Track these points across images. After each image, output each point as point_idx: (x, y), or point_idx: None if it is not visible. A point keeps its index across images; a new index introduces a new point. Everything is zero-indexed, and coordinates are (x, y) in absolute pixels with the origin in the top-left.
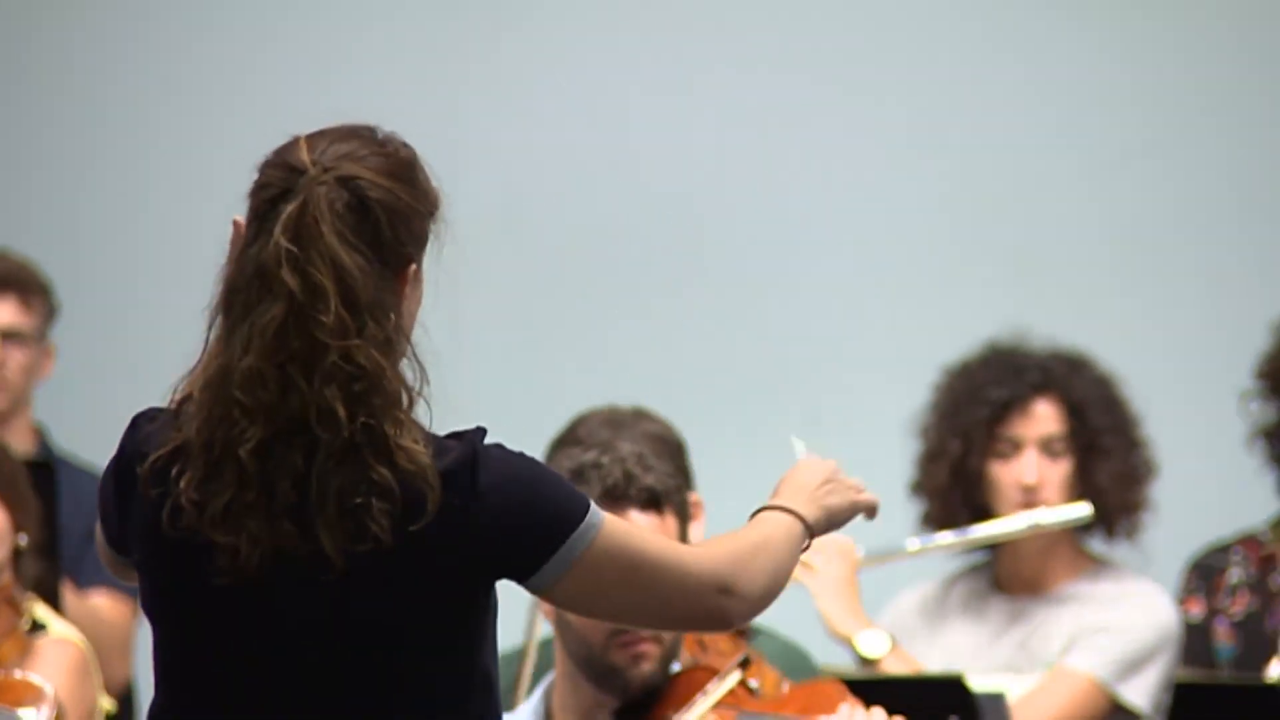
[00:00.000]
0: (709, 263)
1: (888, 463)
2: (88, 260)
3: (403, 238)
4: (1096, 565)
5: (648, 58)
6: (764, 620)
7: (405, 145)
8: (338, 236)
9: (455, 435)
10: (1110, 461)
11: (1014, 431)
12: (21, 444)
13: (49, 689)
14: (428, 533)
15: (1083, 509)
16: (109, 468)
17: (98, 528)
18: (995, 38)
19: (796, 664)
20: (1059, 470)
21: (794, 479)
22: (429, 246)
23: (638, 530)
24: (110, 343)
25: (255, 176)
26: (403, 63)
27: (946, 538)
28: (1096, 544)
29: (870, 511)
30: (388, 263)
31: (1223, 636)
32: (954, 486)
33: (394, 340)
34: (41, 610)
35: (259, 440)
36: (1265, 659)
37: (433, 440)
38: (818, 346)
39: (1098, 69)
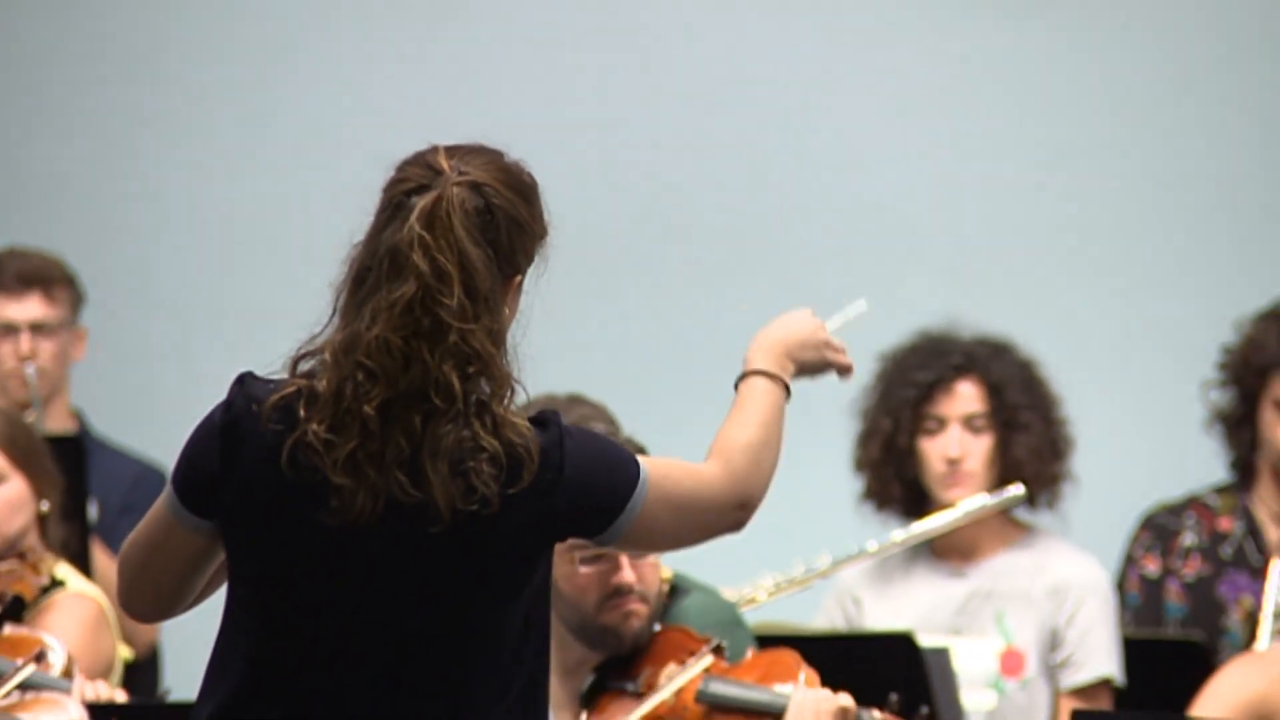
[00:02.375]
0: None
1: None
2: (120, 256)
3: (516, 249)
4: (1025, 533)
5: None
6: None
7: (530, 172)
8: (465, 231)
9: (535, 418)
10: (1027, 436)
11: (939, 410)
12: (61, 425)
13: (58, 644)
14: (522, 497)
15: (1016, 490)
16: (212, 425)
17: (169, 501)
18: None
19: (727, 618)
20: (981, 444)
21: (770, 338)
22: (533, 267)
23: (667, 469)
24: (142, 332)
25: (392, 174)
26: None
27: (900, 535)
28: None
29: (843, 371)
30: (501, 268)
31: (1174, 596)
32: (886, 461)
33: (501, 333)
34: (63, 569)
35: (382, 400)
36: (1211, 621)
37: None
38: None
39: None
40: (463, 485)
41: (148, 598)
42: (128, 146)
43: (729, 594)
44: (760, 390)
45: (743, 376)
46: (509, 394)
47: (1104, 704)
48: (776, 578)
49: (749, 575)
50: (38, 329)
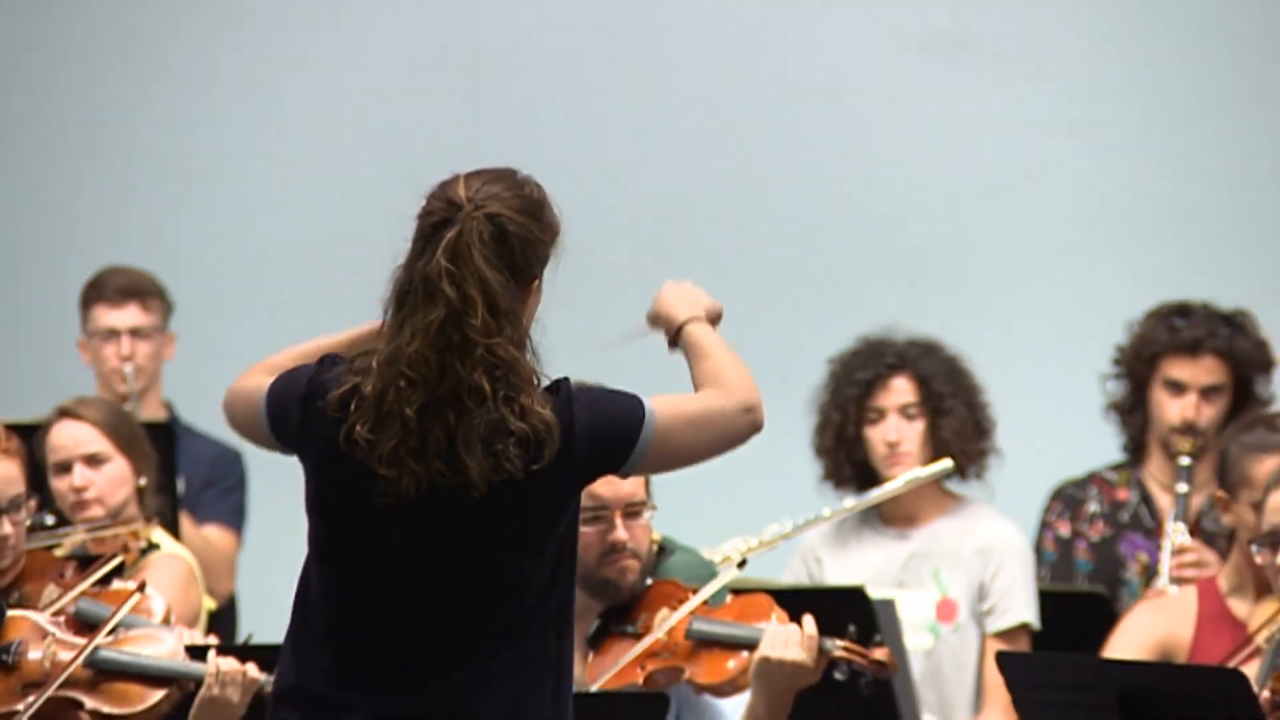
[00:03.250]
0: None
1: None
2: (204, 276)
3: (530, 260)
4: (957, 503)
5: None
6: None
7: (538, 186)
8: (484, 259)
9: (548, 386)
10: (953, 420)
11: (878, 402)
12: (154, 414)
13: (157, 595)
14: (546, 469)
15: (946, 464)
16: (297, 390)
17: (263, 416)
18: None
19: (706, 573)
20: (915, 429)
21: (673, 297)
22: (549, 264)
23: (677, 399)
24: (222, 336)
25: (421, 205)
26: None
27: (850, 502)
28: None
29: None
30: (518, 280)
31: (1082, 554)
32: (838, 447)
33: (524, 338)
34: (158, 534)
35: (421, 404)
36: (1113, 575)
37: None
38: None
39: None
40: (493, 462)
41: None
42: (213, 181)
43: (708, 554)
44: (700, 333)
45: (676, 333)
46: (534, 383)
47: (1023, 645)
48: (749, 540)
49: (727, 538)
50: (135, 334)
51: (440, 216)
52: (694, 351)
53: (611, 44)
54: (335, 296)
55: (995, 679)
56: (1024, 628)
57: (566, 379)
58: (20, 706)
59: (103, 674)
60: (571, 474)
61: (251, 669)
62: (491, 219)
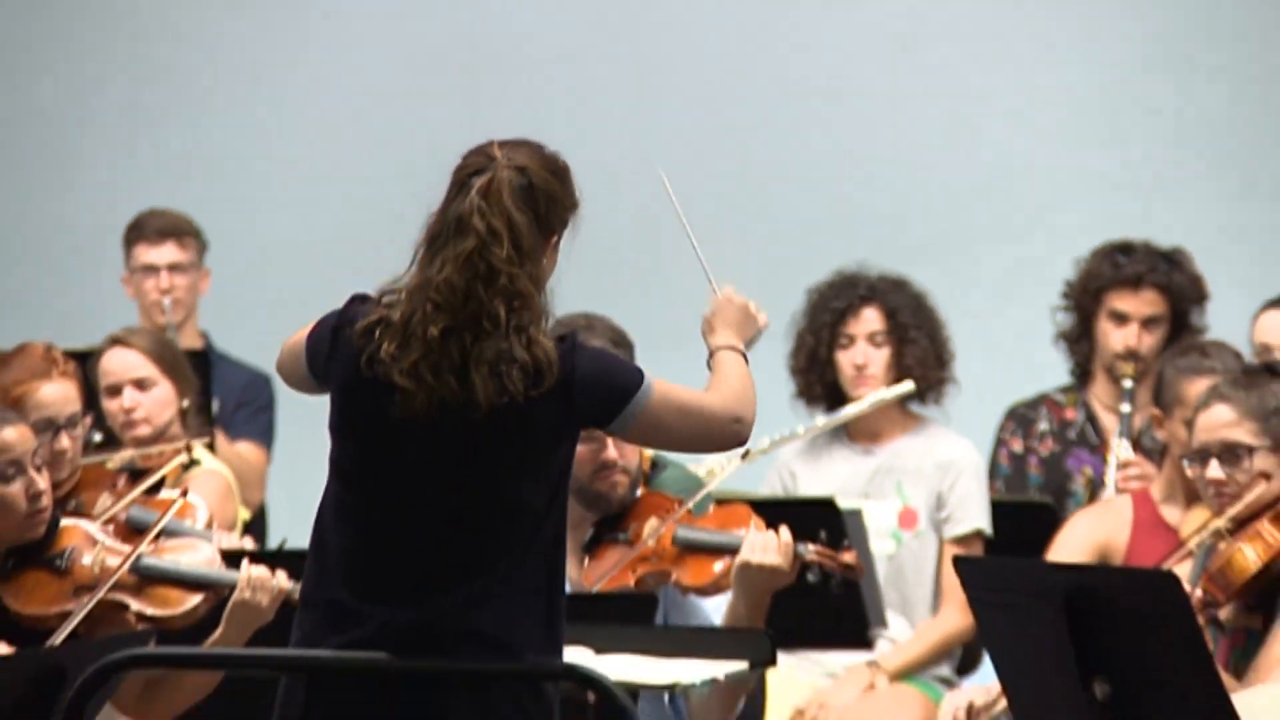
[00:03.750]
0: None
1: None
2: (233, 211)
3: (551, 215)
4: (918, 422)
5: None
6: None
7: (563, 159)
8: (512, 202)
9: (559, 337)
10: (915, 349)
11: (849, 329)
12: (191, 343)
13: (201, 504)
14: (544, 397)
15: (908, 385)
16: (328, 324)
17: (303, 359)
18: None
19: (693, 486)
20: (881, 355)
21: (722, 317)
22: (566, 232)
23: (677, 387)
24: (253, 272)
25: (459, 162)
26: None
27: (822, 420)
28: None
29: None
30: (540, 229)
31: (1033, 468)
32: (810, 368)
33: (540, 279)
34: (200, 451)
35: (444, 326)
36: (1061, 487)
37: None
38: None
39: None
40: (497, 385)
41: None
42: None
43: (694, 468)
44: (729, 358)
45: (711, 355)
46: (543, 322)
47: (976, 550)
48: (730, 455)
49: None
50: (173, 269)
51: (475, 167)
52: (716, 371)
53: (611, 44)
54: (350, 236)
55: (952, 580)
56: (978, 534)
57: (575, 332)
58: (72, 608)
59: (147, 579)
60: (568, 412)
61: (281, 577)
62: (521, 170)
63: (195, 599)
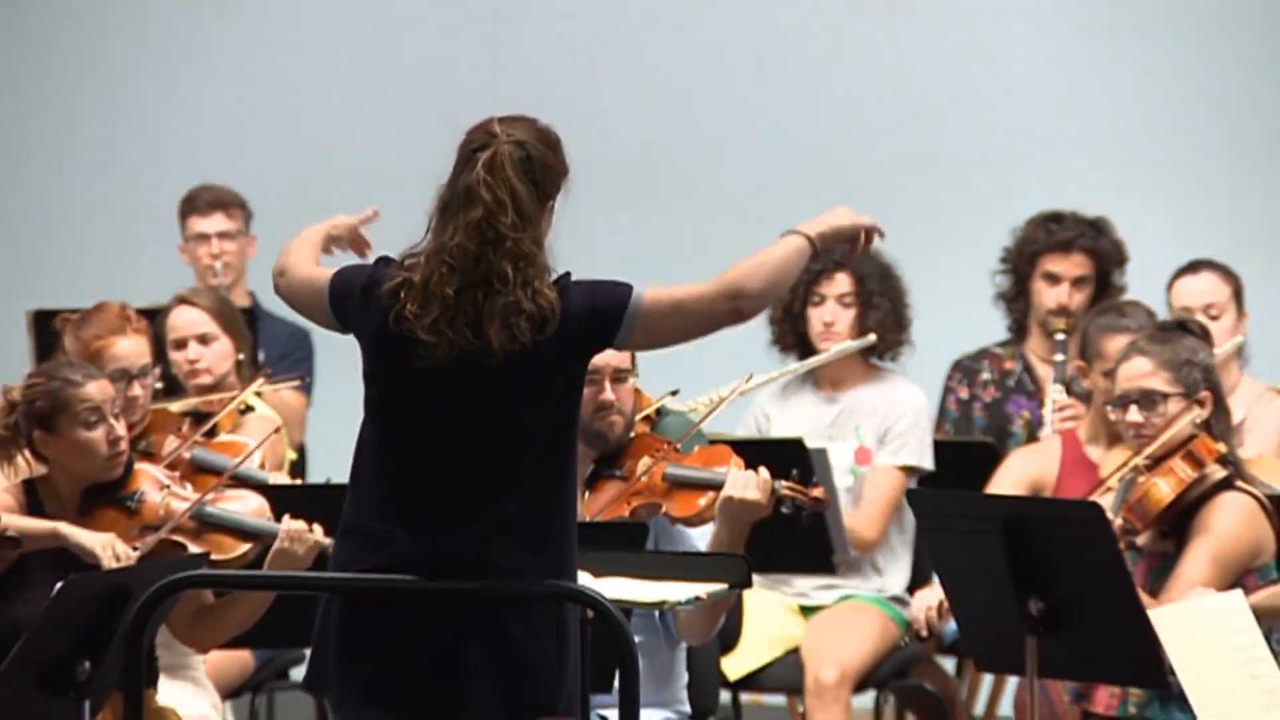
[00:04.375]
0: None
1: None
2: (276, 183)
3: (547, 183)
4: (877, 373)
5: None
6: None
7: (554, 131)
8: (514, 173)
9: (555, 280)
10: (878, 312)
11: (821, 289)
12: (240, 301)
13: (252, 444)
14: (549, 340)
15: (870, 339)
16: (359, 278)
17: (324, 297)
18: None
19: (686, 429)
20: (848, 314)
21: (822, 217)
22: (560, 196)
23: (668, 287)
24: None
25: (463, 139)
26: None
27: (794, 364)
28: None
29: (870, 231)
30: (539, 196)
31: (978, 412)
32: (785, 319)
33: (540, 239)
34: (251, 397)
35: (459, 285)
36: (1002, 429)
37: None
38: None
39: None
40: (508, 334)
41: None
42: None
43: (680, 405)
44: (783, 241)
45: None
46: (546, 276)
47: (910, 481)
48: (712, 395)
49: (703, 391)
50: (222, 237)
51: (479, 143)
52: (763, 251)
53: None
54: (377, 203)
55: (873, 493)
56: (913, 469)
57: (568, 273)
58: (138, 545)
59: (205, 525)
60: (571, 346)
61: (317, 531)
62: (520, 145)
63: (245, 546)
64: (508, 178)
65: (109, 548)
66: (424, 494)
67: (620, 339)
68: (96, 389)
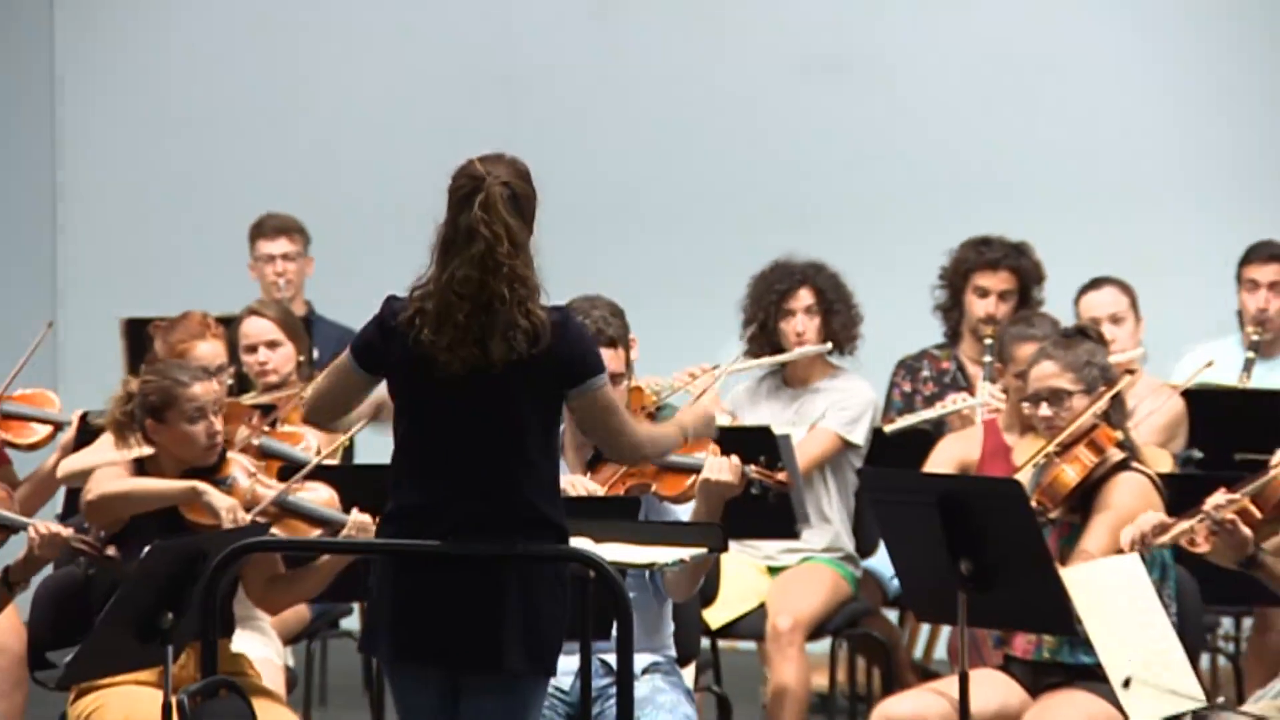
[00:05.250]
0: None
1: None
2: (331, 213)
3: (528, 214)
4: (834, 370)
5: None
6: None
7: (523, 163)
8: (506, 210)
9: (553, 308)
10: (839, 317)
11: (789, 305)
12: (299, 310)
13: (312, 437)
14: (541, 354)
15: (827, 346)
16: (375, 324)
17: (349, 361)
18: None
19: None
20: (814, 323)
21: (696, 412)
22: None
23: (618, 401)
24: (346, 256)
25: (450, 183)
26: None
27: (766, 361)
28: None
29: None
30: (526, 226)
31: (918, 404)
32: (761, 335)
33: (530, 262)
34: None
35: (466, 311)
36: (938, 420)
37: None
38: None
39: None
40: (507, 347)
41: (324, 413)
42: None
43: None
44: (674, 428)
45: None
46: (538, 295)
47: (837, 446)
48: (682, 375)
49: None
50: (285, 258)
51: (469, 187)
52: (661, 426)
53: (601, 67)
54: (414, 238)
55: (806, 446)
56: (847, 442)
57: (568, 307)
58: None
59: (284, 511)
60: (555, 366)
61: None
62: (506, 185)
63: (316, 532)
64: (501, 215)
65: (233, 511)
66: (448, 481)
67: (573, 395)
68: (201, 389)
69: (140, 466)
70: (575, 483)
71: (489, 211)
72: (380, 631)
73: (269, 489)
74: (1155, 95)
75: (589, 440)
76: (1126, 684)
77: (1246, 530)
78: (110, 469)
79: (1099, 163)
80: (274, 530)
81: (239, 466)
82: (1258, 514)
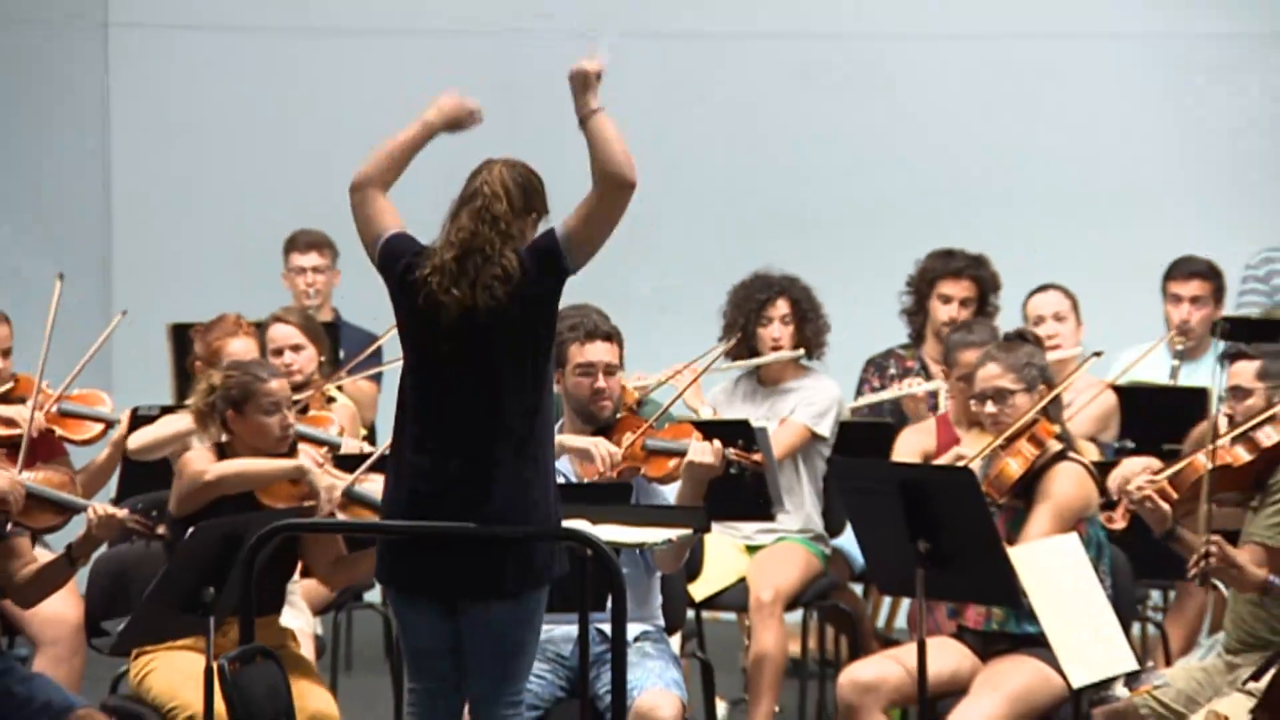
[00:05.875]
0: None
1: None
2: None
3: (531, 198)
4: (806, 372)
5: None
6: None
7: (538, 173)
8: (505, 178)
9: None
10: (809, 326)
11: (768, 314)
12: (326, 316)
13: (335, 423)
14: (517, 290)
15: (799, 352)
16: (404, 258)
17: (379, 246)
18: None
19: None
20: (788, 330)
21: (580, 82)
22: (540, 219)
23: (578, 211)
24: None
25: (472, 172)
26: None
27: (745, 363)
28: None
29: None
30: (525, 199)
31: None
32: (742, 341)
33: (525, 232)
34: (333, 390)
35: (455, 255)
36: (903, 413)
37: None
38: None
39: None
40: (488, 295)
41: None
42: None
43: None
44: (598, 125)
45: (582, 120)
46: (514, 249)
47: (804, 437)
48: (667, 371)
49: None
50: (315, 270)
51: (480, 167)
52: (593, 142)
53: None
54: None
55: (779, 436)
56: (815, 433)
57: (552, 230)
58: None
59: (349, 500)
60: (533, 287)
61: None
62: (511, 167)
63: (374, 518)
64: (503, 178)
65: (330, 491)
66: (448, 427)
67: (568, 265)
68: (277, 385)
69: (221, 452)
70: (599, 444)
71: (490, 178)
72: (385, 563)
73: (337, 479)
74: (1155, 103)
75: (608, 234)
76: (1066, 650)
77: (1165, 507)
78: (200, 452)
79: (1098, 170)
80: (340, 515)
81: (308, 457)
82: (1174, 494)
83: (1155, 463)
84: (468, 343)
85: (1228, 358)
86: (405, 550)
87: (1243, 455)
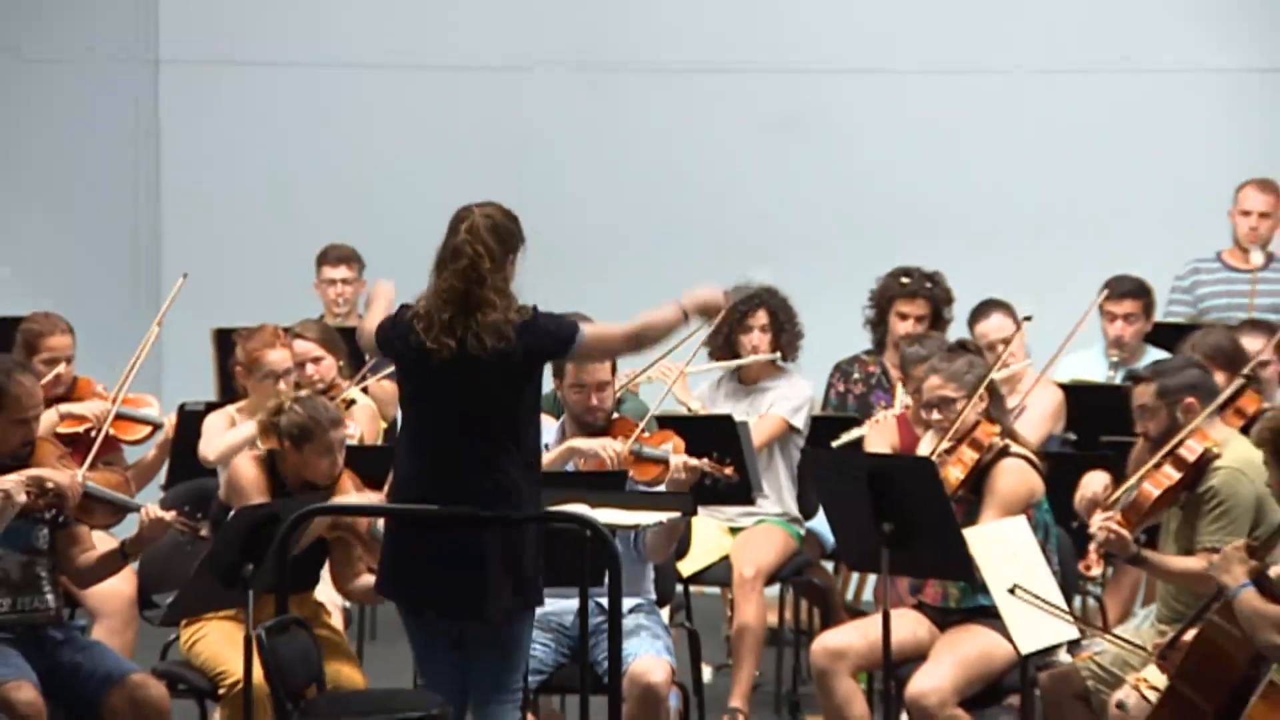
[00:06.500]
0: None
1: None
2: (382, 244)
3: (509, 241)
4: (781, 372)
5: None
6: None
7: (508, 208)
8: (487, 233)
9: (523, 308)
10: (787, 334)
11: (749, 323)
12: (353, 322)
13: (354, 426)
14: (513, 347)
15: (777, 355)
16: (390, 320)
17: (374, 341)
18: None
19: (643, 411)
20: (767, 338)
21: (694, 292)
22: (520, 255)
23: (601, 328)
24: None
25: (450, 222)
26: None
27: (727, 364)
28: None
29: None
30: (503, 250)
31: (850, 400)
32: (726, 346)
33: (508, 280)
34: (354, 392)
35: (450, 313)
36: (866, 413)
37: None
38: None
39: None
40: (480, 345)
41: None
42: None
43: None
44: (666, 308)
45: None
46: (511, 304)
47: (781, 429)
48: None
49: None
50: (344, 282)
51: (459, 217)
52: (657, 310)
53: (595, 129)
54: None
55: (758, 427)
56: (790, 426)
57: (535, 306)
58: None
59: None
60: (530, 353)
61: None
62: (488, 216)
63: None
64: (483, 236)
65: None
66: (441, 457)
67: (569, 358)
68: (336, 434)
69: (271, 460)
70: (606, 445)
71: (472, 235)
72: (386, 579)
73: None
74: (1060, 152)
75: (605, 362)
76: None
77: (1126, 534)
78: (245, 459)
79: (1005, 208)
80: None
81: (352, 480)
82: (1127, 522)
83: (1106, 477)
84: (459, 383)
85: (1130, 381)
86: (407, 569)
87: (1174, 474)
